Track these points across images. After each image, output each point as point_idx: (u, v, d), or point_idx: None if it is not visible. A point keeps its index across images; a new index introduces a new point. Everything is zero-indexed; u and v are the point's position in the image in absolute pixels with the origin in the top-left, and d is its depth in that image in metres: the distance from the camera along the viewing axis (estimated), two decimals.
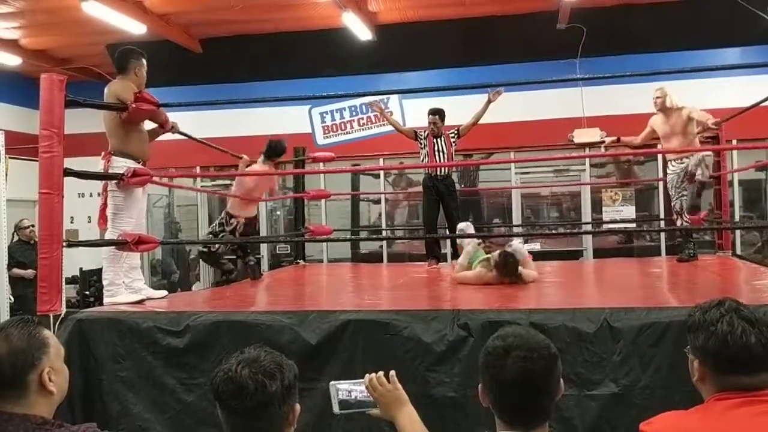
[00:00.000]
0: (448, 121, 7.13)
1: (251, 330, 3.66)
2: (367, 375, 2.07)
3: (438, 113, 7.02)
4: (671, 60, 9.06)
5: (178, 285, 11.10)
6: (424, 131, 7.15)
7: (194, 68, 10.24)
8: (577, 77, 7.63)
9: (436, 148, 7.04)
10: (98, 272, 10.29)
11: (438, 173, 7.08)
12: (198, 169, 10.56)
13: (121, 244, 4.21)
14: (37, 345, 1.73)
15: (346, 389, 2.11)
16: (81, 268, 10.39)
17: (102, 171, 4.38)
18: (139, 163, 4.43)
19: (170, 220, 11.80)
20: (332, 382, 2.14)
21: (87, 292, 10.51)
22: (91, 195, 9.77)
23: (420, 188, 7.43)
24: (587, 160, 9.64)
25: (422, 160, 7.19)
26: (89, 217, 10.51)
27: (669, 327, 3.26)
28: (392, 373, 2.07)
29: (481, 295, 4.61)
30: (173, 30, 9.47)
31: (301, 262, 7.95)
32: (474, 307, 3.80)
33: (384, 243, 10.05)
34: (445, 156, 6.98)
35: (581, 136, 9.39)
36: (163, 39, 9.41)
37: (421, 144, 7.15)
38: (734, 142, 8.20)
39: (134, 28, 8.70)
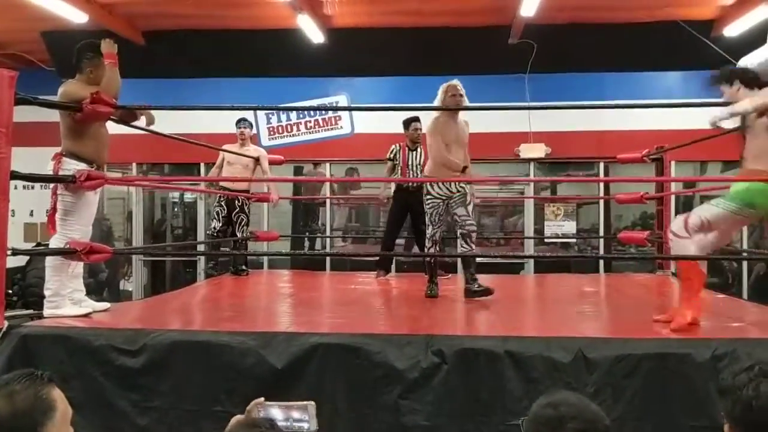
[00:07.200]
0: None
1: (213, 351, 3.48)
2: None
3: (419, 120, 6.76)
4: (616, 80, 9.31)
5: (106, 284, 10.62)
6: (395, 148, 6.96)
7: (136, 61, 9.77)
8: (526, 105, 7.68)
9: (410, 162, 6.84)
10: (21, 270, 9.83)
11: (410, 186, 6.74)
12: (134, 166, 10.22)
13: (69, 253, 3.93)
14: (44, 408, 1.54)
15: (281, 414, 1.91)
16: None
17: (52, 173, 4.08)
18: (92, 166, 4.11)
19: (100, 217, 11.27)
20: (257, 401, 1.92)
21: (10, 291, 9.93)
22: (32, 187, 9.17)
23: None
24: (531, 172, 9.74)
25: (395, 175, 6.98)
26: (32, 210, 9.98)
27: (642, 359, 3.27)
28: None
29: (454, 317, 4.52)
30: (116, 20, 9.04)
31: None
32: (448, 332, 3.71)
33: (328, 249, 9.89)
34: (420, 170, 6.65)
35: (527, 151, 9.51)
36: (103, 29, 8.96)
37: (395, 161, 6.94)
38: (672, 163, 8.45)
39: (75, 16, 8.25)
